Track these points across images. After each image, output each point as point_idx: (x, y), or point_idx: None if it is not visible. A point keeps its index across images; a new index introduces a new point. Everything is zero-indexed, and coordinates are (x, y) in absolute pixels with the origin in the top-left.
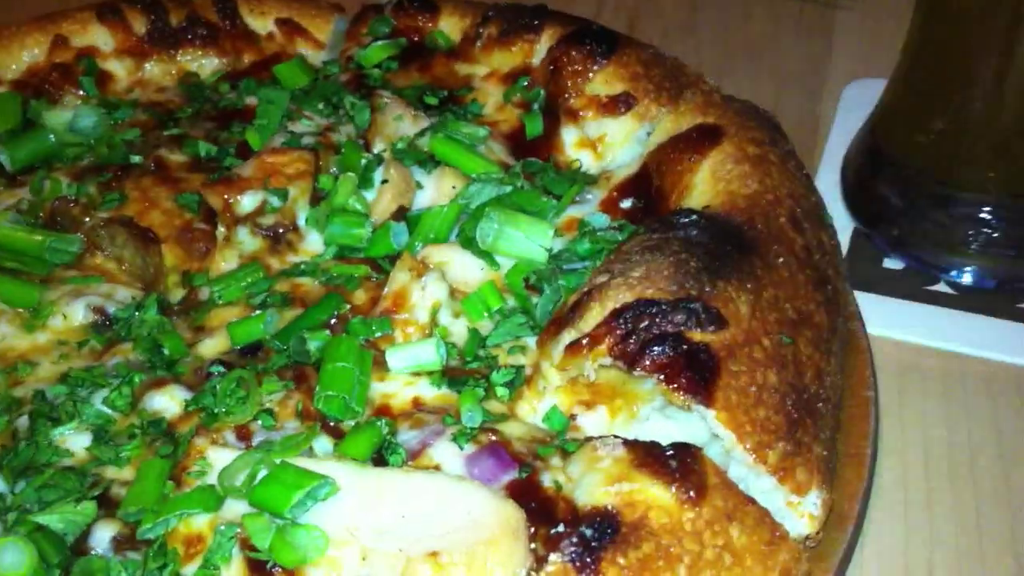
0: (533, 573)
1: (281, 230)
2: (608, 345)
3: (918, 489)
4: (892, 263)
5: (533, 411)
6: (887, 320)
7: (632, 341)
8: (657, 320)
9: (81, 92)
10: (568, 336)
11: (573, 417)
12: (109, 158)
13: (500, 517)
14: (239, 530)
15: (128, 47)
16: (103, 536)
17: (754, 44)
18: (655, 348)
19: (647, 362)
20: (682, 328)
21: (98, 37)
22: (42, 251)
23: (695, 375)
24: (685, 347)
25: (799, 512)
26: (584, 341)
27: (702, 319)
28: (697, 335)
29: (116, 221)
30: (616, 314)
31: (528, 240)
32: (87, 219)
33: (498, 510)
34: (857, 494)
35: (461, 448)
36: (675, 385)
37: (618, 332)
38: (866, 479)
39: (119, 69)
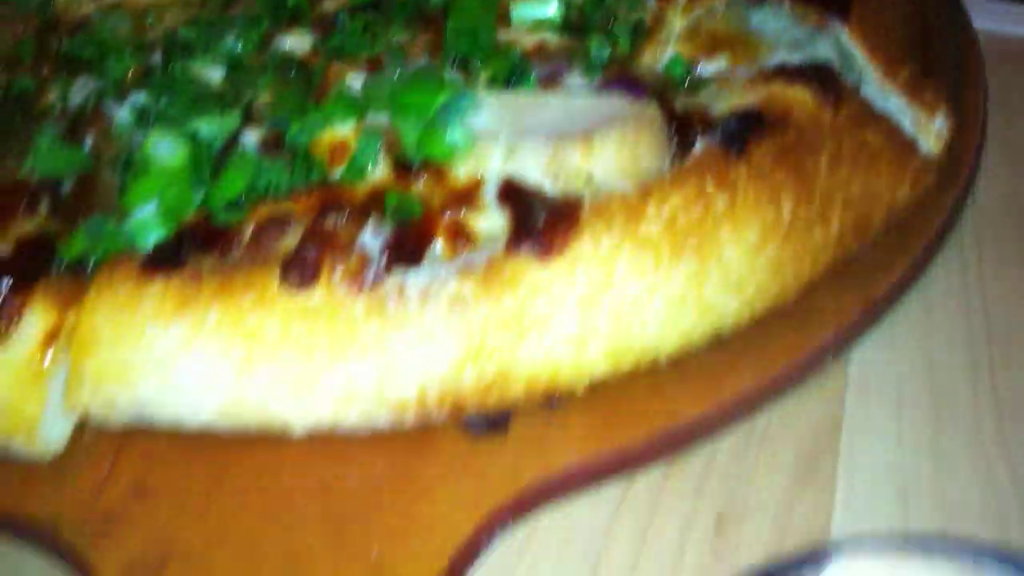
0: (677, 161)
1: None
2: None
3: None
4: None
5: (655, 62)
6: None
7: None
8: None
9: None
10: None
11: (694, 63)
12: None
13: (642, 109)
14: (385, 135)
15: None
16: (251, 140)
17: None
18: None
19: None
20: None
21: None
22: None
23: None
24: None
25: (927, 131)
26: None
27: None
28: None
29: None
30: None
31: None
32: None
33: (639, 106)
34: (971, 145)
35: (591, 79)
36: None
37: None
38: (978, 135)
39: None
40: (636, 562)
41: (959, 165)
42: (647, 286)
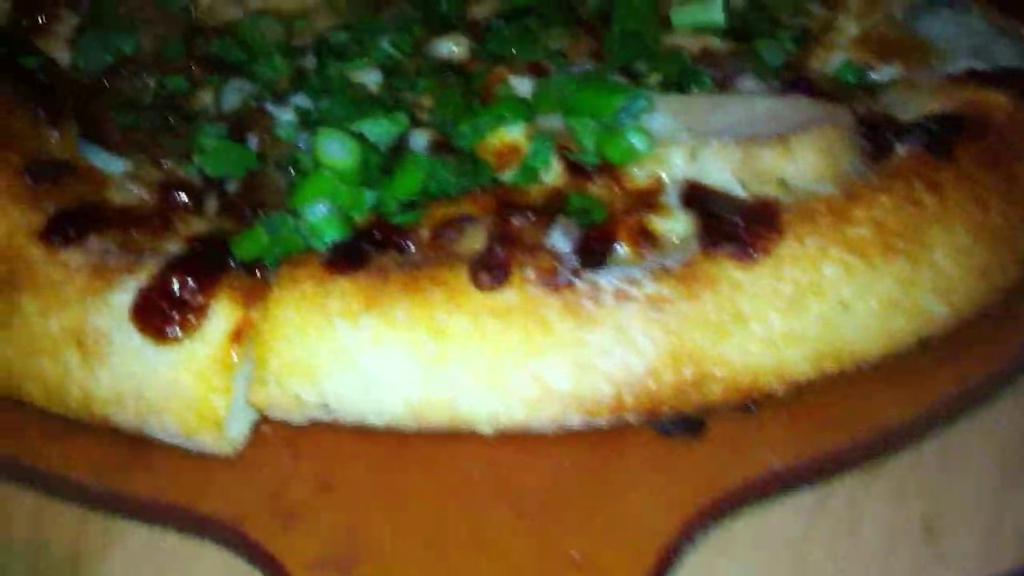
0: (874, 164)
1: None
2: None
3: None
4: None
5: (823, 67)
6: None
7: None
8: None
9: None
10: None
11: (868, 68)
12: None
13: (837, 114)
14: (557, 138)
15: None
16: (419, 142)
17: None
18: None
19: None
20: None
21: None
22: None
23: None
24: None
25: None
26: None
27: None
28: None
29: None
30: None
31: None
32: None
33: (833, 110)
34: None
35: (767, 82)
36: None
37: None
38: None
39: None
40: (837, 570)
41: None
42: (857, 289)
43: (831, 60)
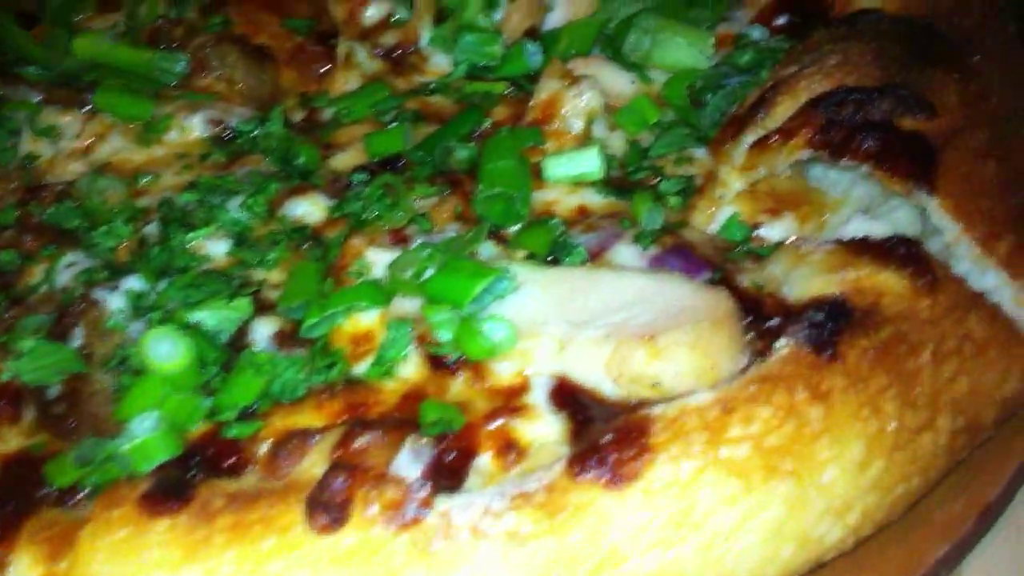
0: (758, 359)
1: (403, 50)
2: (806, 137)
3: None
4: None
5: (709, 220)
6: None
7: (835, 131)
8: (862, 107)
9: None
10: (751, 136)
11: (755, 227)
12: None
13: (715, 302)
14: (415, 325)
15: None
16: (263, 333)
17: None
18: (864, 135)
19: (857, 149)
20: (890, 115)
21: None
22: (149, 68)
23: (915, 160)
24: (900, 134)
25: None
26: (774, 137)
27: (912, 106)
28: (908, 122)
29: (227, 38)
30: (814, 103)
31: (689, 47)
32: (193, 40)
33: (710, 297)
34: None
35: (644, 248)
36: (893, 172)
37: (817, 121)
38: None
39: None
40: None
41: None
42: (738, 517)
43: (718, 215)
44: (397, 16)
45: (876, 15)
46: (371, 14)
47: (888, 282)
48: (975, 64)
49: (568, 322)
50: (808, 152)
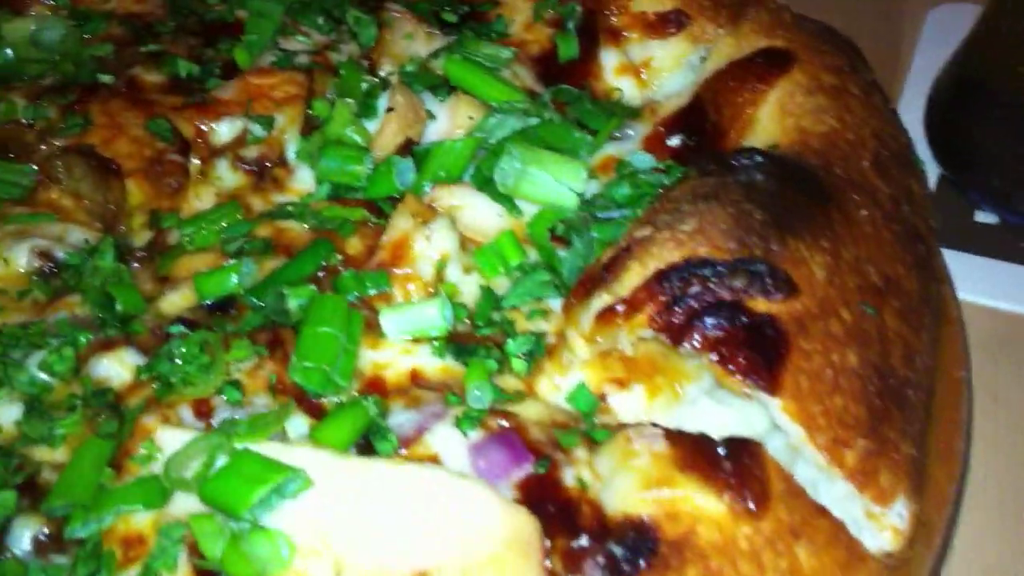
0: None
1: (267, 164)
2: (649, 314)
3: (1017, 487)
4: (985, 217)
5: (555, 388)
6: (980, 284)
7: (679, 310)
8: (711, 284)
9: (51, 2)
10: (600, 301)
11: (603, 397)
12: (75, 76)
13: (509, 528)
14: (187, 531)
15: None
16: (22, 535)
17: None
18: (707, 320)
19: (696, 337)
20: (742, 295)
21: None
22: None
23: (757, 354)
24: (745, 319)
25: (881, 524)
26: (619, 308)
27: (767, 284)
28: (761, 304)
29: (74, 150)
30: (661, 276)
31: (557, 182)
32: (42, 147)
33: (506, 519)
34: (947, 499)
35: (465, 435)
36: (732, 367)
37: (662, 298)
38: (958, 481)
39: None
40: None
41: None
42: None
43: (565, 381)
44: (252, 134)
45: (756, 159)
46: (223, 132)
47: (706, 508)
48: (859, 219)
49: (351, 539)
50: (650, 333)
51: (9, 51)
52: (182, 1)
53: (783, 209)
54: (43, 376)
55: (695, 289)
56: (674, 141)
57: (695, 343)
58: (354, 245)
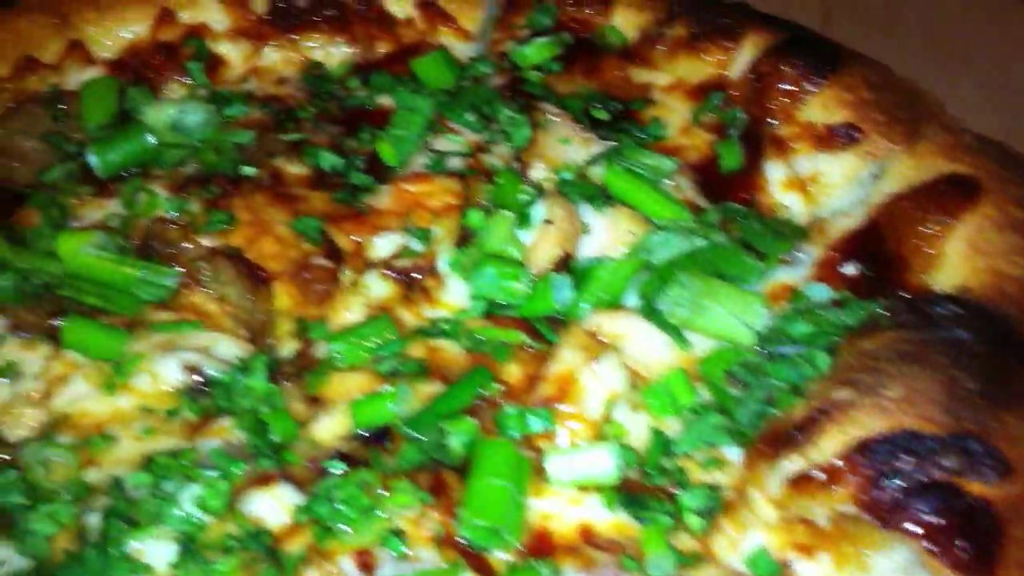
0: None
1: (417, 274)
2: (853, 489)
3: None
4: None
5: (733, 548)
6: None
7: (888, 488)
8: (923, 462)
9: (188, 80)
10: (792, 464)
11: (786, 564)
12: (217, 166)
13: None
14: None
15: (245, 27)
16: None
17: (973, 49)
18: (921, 503)
19: (909, 520)
20: (956, 476)
21: (211, 13)
22: (132, 285)
23: (975, 545)
24: (963, 503)
25: None
26: (817, 476)
27: (983, 465)
28: (975, 486)
29: (222, 253)
30: (864, 446)
31: (732, 316)
32: (187, 245)
33: None
34: None
35: None
36: (948, 558)
37: (867, 472)
38: None
39: (233, 53)
40: None
41: None
42: None
43: (744, 542)
44: (410, 248)
45: (954, 310)
46: (381, 247)
47: None
48: None
49: None
50: (853, 509)
51: (151, 137)
52: (323, 85)
53: (994, 378)
54: (197, 513)
55: (905, 466)
56: (849, 269)
57: (908, 527)
58: (512, 372)
